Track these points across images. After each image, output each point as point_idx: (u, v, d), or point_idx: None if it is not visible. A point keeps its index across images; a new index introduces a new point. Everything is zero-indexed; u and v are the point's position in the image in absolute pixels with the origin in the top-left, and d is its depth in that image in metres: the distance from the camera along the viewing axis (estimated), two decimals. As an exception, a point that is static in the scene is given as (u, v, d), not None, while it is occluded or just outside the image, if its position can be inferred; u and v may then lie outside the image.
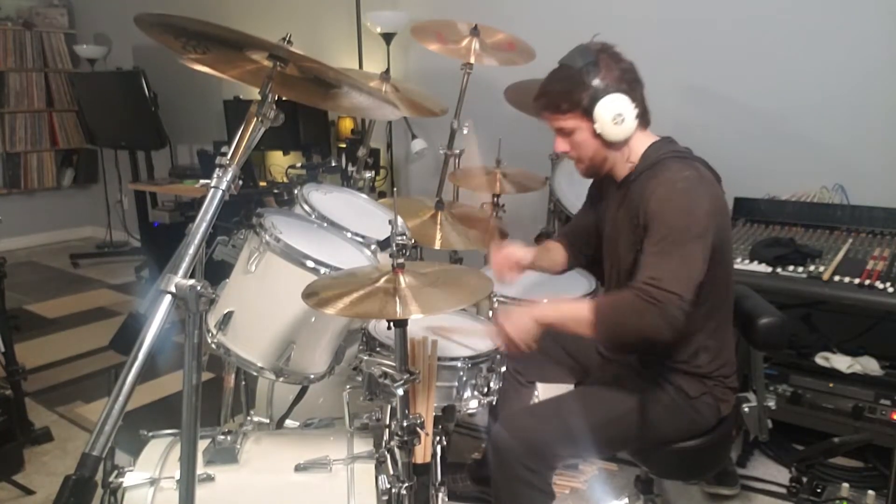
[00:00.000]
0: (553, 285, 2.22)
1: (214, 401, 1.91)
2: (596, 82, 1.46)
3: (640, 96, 1.51)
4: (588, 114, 1.49)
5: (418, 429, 1.39)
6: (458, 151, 2.75)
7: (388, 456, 1.46)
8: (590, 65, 1.47)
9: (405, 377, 1.37)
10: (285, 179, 3.41)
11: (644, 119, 1.53)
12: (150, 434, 1.54)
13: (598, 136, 1.51)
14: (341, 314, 1.30)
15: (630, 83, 1.49)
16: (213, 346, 1.60)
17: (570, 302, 1.52)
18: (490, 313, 2.13)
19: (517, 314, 1.51)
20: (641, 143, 1.55)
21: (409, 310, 1.27)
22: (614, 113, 1.47)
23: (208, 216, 1.09)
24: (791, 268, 2.09)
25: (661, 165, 1.49)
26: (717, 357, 1.55)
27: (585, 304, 1.45)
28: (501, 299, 2.15)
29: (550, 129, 1.59)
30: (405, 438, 1.39)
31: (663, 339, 1.35)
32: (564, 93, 1.50)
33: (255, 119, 1.17)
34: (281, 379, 1.63)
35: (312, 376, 1.68)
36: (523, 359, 1.82)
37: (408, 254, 1.38)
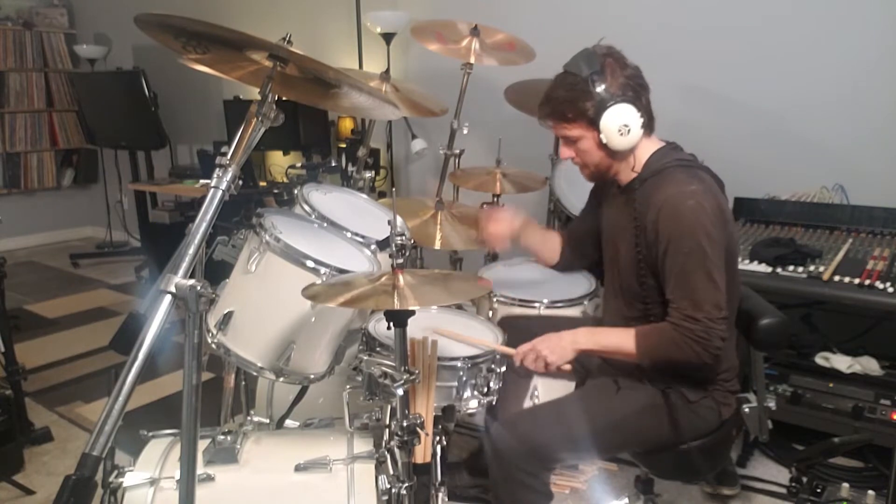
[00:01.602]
0: (553, 285, 2.22)
1: (214, 401, 1.90)
2: (601, 91, 1.45)
3: (645, 103, 1.50)
4: (593, 123, 1.48)
5: (418, 429, 1.39)
6: (458, 151, 2.75)
7: (388, 456, 1.46)
8: (595, 73, 1.45)
9: (405, 377, 1.36)
10: (285, 179, 3.41)
11: (649, 126, 1.52)
12: (150, 434, 1.53)
13: (603, 145, 1.50)
14: (340, 305, 1.31)
15: (636, 90, 1.48)
16: (213, 346, 1.60)
17: (611, 332, 1.54)
18: (490, 313, 2.12)
19: (556, 338, 1.54)
20: (646, 149, 1.54)
21: (406, 303, 1.28)
22: (620, 124, 1.46)
23: (208, 216, 1.09)
24: (791, 268, 2.09)
25: (666, 174, 1.48)
26: (720, 362, 1.54)
27: (628, 337, 1.48)
28: (501, 299, 2.15)
29: (555, 135, 1.59)
30: (405, 438, 1.38)
31: (707, 364, 1.42)
32: (569, 101, 1.49)
33: (255, 119, 1.17)
34: (281, 379, 1.62)
35: (312, 376, 1.68)
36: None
37: (407, 254, 1.38)
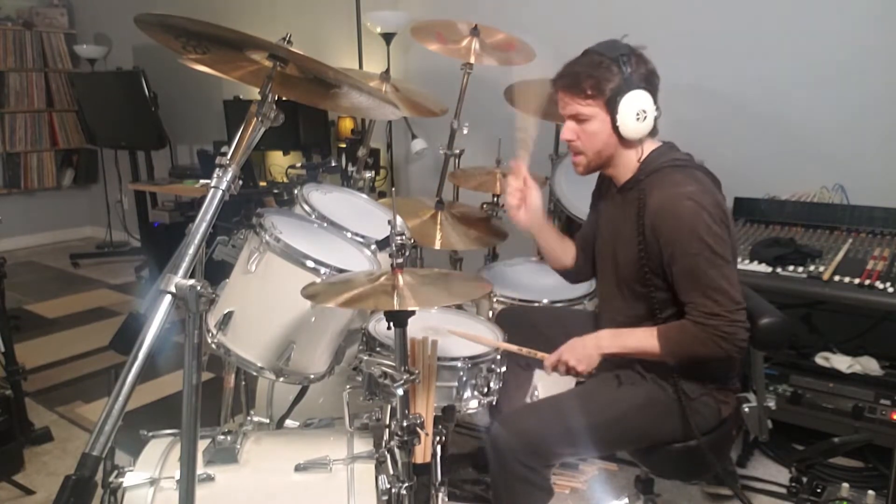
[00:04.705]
0: (553, 286, 2.22)
1: (214, 401, 1.91)
2: (626, 73, 1.44)
3: (657, 101, 1.51)
4: (611, 104, 1.47)
5: (418, 429, 1.40)
6: (458, 151, 2.75)
7: (388, 456, 1.46)
8: (624, 55, 1.45)
9: (405, 377, 1.37)
10: (285, 179, 3.41)
11: (655, 125, 1.53)
12: (150, 434, 1.53)
13: (615, 129, 1.49)
14: (340, 306, 1.31)
15: (654, 86, 1.49)
16: (213, 346, 1.60)
17: (634, 333, 1.54)
18: (490, 314, 2.12)
19: (581, 345, 1.54)
20: (646, 148, 1.54)
21: (405, 303, 1.28)
22: (639, 108, 1.46)
23: (208, 216, 1.09)
24: (791, 268, 2.09)
25: (663, 176, 1.49)
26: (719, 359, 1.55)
27: (651, 336, 1.49)
28: (501, 299, 2.15)
29: (563, 114, 1.53)
30: (405, 438, 1.39)
31: (732, 357, 1.44)
32: (591, 77, 1.46)
33: (255, 119, 1.17)
34: (281, 379, 1.63)
35: (312, 376, 1.69)
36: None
37: (407, 253, 1.38)
